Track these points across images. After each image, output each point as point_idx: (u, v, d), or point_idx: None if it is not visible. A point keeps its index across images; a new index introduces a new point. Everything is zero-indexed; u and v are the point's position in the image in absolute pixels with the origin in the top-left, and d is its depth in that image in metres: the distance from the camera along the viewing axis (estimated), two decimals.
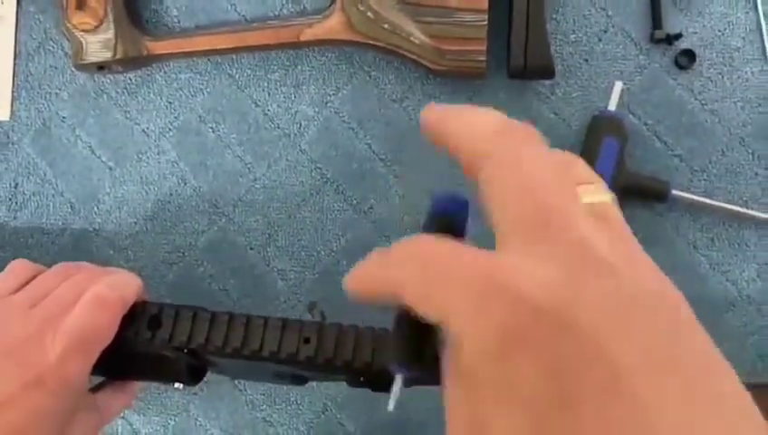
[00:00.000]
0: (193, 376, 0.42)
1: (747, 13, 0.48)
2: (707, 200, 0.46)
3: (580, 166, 0.24)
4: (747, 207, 0.46)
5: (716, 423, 0.18)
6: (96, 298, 0.36)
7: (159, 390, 0.49)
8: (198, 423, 0.49)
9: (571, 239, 0.20)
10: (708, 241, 0.47)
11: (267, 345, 0.37)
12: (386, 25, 0.46)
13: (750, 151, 0.47)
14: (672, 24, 0.48)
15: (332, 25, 0.47)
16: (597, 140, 0.46)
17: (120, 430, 0.49)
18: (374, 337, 0.36)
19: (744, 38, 0.47)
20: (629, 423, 0.18)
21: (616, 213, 0.22)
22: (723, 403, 0.19)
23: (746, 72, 0.47)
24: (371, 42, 0.47)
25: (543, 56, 0.46)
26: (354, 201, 0.49)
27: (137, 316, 0.38)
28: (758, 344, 0.46)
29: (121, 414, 0.49)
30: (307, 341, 0.37)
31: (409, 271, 0.21)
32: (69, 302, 0.37)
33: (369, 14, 0.46)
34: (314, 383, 0.48)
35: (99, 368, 0.38)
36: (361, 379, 0.38)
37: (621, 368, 0.18)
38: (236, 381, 0.49)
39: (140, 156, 0.50)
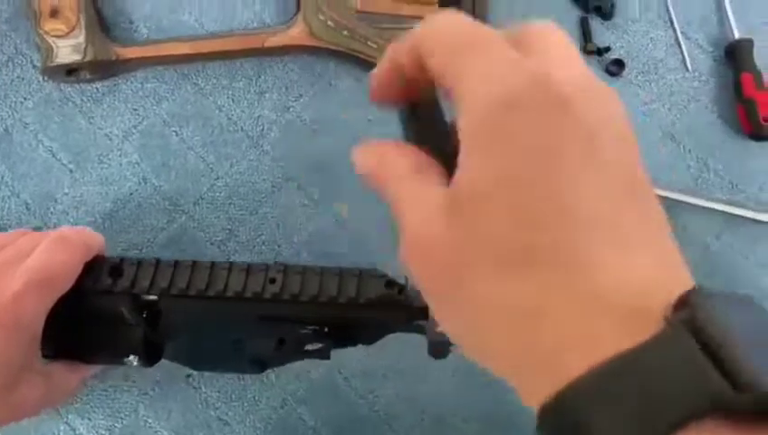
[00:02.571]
0: (149, 354, 0.41)
1: (666, 30, 0.54)
2: None
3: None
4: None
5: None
6: (60, 237, 0.36)
7: (107, 391, 0.46)
8: (148, 425, 0.46)
9: None
10: None
11: (232, 286, 0.36)
12: (345, 32, 0.50)
13: (681, 146, 0.51)
14: (600, 39, 0.53)
15: (295, 33, 0.51)
16: None
17: None
18: (340, 273, 0.37)
19: (665, 51, 0.53)
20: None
21: None
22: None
23: (670, 80, 0.53)
24: (332, 47, 0.51)
25: None
26: (316, 197, 0.50)
27: (97, 267, 0.37)
28: None
29: (65, 414, 0.45)
30: (273, 281, 0.37)
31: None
32: (27, 250, 0.36)
33: (329, 22, 0.50)
34: (273, 377, 0.46)
35: (52, 340, 0.37)
36: (326, 329, 0.38)
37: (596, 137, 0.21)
38: (190, 379, 0.46)
39: (102, 158, 0.51)
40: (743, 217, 0.49)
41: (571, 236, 0.20)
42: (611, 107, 0.22)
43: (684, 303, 0.18)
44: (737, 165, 0.51)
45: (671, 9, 0.54)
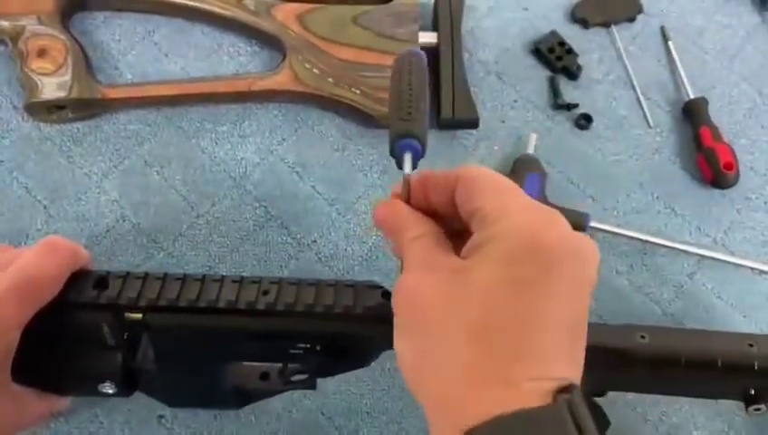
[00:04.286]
0: (126, 381, 0.38)
1: (627, 91, 0.58)
2: (622, 231, 0.51)
3: None
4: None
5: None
6: (50, 243, 0.35)
7: (72, 433, 0.43)
8: None
9: None
10: (628, 267, 0.51)
11: (224, 296, 0.35)
12: (330, 79, 0.52)
13: (650, 193, 0.54)
14: (568, 97, 0.57)
15: (281, 79, 0.53)
16: (521, 175, 0.51)
17: None
18: (336, 284, 0.36)
19: (628, 109, 0.57)
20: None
21: None
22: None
23: (635, 134, 0.56)
24: (317, 92, 0.52)
25: (469, 108, 0.53)
26: (298, 235, 0.50)
27: (82, 279, 0.36)
28: None
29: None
30: (266, 293, 0.36)
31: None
32: (6, 263, 0.35)
33: (315, 70, 0.52)
34: (252, 417, 0.44)
35: (26, 363, 0.35)
36: (318, 347, 0.36)
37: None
38: (163, 420, 0.44)
39: (79, 195, 0.50)
40: (713, 258, 0.51)
41: (519, 343, 0.26)
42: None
43: (564, 392, 0.25)
44: (702, 211, 0.53)
45: (631, 73, 0.58)
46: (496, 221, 0.27)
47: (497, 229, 0.27)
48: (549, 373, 0.25)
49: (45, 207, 0.49)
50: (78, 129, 0.52)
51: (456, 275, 0.27)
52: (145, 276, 0.36)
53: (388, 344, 0.37)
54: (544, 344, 0.26)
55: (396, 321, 0.29)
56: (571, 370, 0.26)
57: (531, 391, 0.25)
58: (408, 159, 0.31)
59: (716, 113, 0.57)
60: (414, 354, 0.28)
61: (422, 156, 0.31)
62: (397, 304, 0.29)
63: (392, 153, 0.32)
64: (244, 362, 0.40)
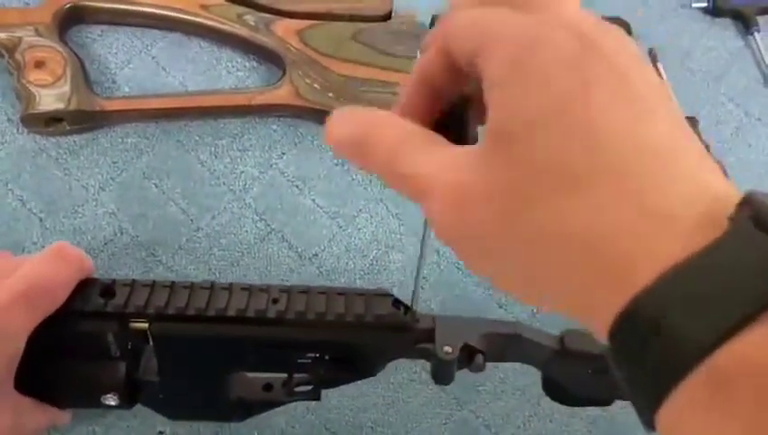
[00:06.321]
0: (129, 393, 0.38)
1: None
2: None
3: None
4: None
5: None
6: (58, 250, 0.34)
7: None
8: None
9: None
10: None
11: (233, 304, 0.35)
12: (330, 94, 0.53)
13: None
14: None
15: (282, 93, 0.53)
16: None
17: None
18: (345, 293, 0.36)
19: None
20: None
21: None
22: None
23: None
24: (318, 107, 0.52)
25: None
26: (299, 249, 0.50)
27: (88, 287, 0.35)
28: None
29: None
30: (276, 301, 0.35)
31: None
32: (8, 271, 0.34)
33: (315, 85, 0.53)
34: (256, 433, 0.43)
35: (28, 372, 0.34)
36: (326, 356, 0.36)
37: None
38: None
39: (76, 208, 0.49)
40: None
41: (623, 158, 0.20)
42: (623, 38, 0.22)
43: (745, 203, 0.18)
44: None
45: None
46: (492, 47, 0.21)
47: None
48: (682, 187, 0.20)
49: (41, 219, 0.48)
50: (75, 141, 0.52)
51: (488, 135, 0.21)
52: (152, 285, 0.36)
53: (399, 353, 0.38)
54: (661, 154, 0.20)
55: (465, 248, 0.23)
56: (705, 171, 0.21)
57: (681, 220, 0.19)
58: None
59: (705, 133, 0.58)
60: (507, 264, 0.22)
61: None
62: (451, 227, 0.22)
63: None
64: (248, 374, 0.40)
